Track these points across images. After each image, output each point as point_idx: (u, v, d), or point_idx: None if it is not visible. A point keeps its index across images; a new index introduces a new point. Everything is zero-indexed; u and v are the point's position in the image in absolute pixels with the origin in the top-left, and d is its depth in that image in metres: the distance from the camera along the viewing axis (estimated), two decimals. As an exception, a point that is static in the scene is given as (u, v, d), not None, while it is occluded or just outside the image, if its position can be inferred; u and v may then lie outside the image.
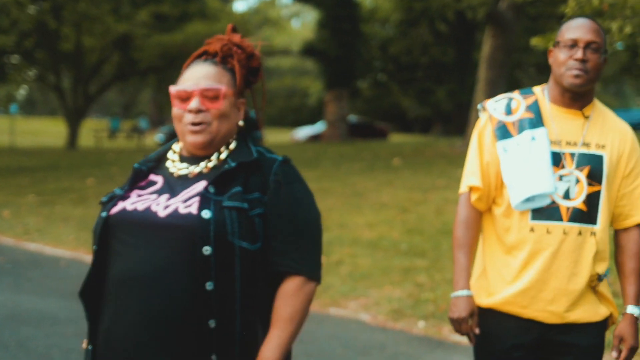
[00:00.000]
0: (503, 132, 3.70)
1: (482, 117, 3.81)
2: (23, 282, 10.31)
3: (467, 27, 43.85)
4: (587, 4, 13.01)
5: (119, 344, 2.89)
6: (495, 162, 3.70)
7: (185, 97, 2.99)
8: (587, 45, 3.59)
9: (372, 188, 18.12)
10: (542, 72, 51.74)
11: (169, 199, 2.95)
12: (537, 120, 3.67)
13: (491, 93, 28.63)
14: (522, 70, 52.11)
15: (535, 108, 3.71)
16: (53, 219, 15.44)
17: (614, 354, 3.64)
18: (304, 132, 49.29)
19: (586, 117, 3.69)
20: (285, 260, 2.96)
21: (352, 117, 46.72)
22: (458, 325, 3.64)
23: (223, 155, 3.04)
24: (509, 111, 3.74)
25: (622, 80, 62.47)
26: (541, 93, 3.77)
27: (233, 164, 2.99)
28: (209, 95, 2.98)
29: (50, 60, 39.22)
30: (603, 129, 3.70)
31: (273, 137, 52.22)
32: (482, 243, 3.81)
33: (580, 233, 3.58)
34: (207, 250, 2.84)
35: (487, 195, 3.72)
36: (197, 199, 2.90)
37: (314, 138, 46.22)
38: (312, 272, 2.98)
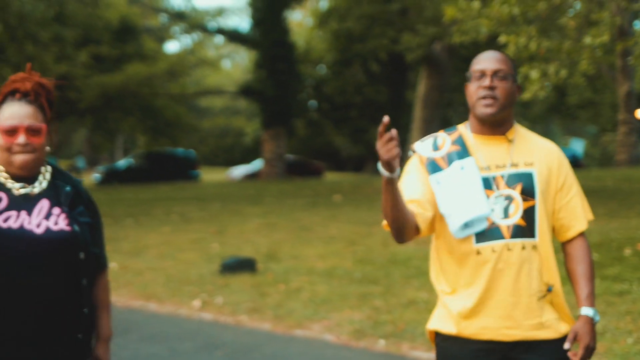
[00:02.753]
0: (433, 167, 3.83)
1: (413, 159, 3.94)
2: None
3: (400, 67, 44.84)
4: (525, 49, 14.04)
5: (13, 326, 3.59)
6: (423, 188, 3.81)
7: (12, 132, 3.66)
8: (495, 74, 3.75)
9: (318, 222, 18.84)
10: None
11: (29, 215, 3.65)
12: (463, 152, 3.81)
13: (426, 131, 29.64)
14: (453, 109, 53.25)
15: (460, 141, 3.85)
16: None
17: (567, 345, 3.70)
18: (239, 171, 49.75)
19: (510, 141, 3.83)
20: (102, 260, 3.93)
21: (288, 156, 47.40)
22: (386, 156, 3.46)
23: (48, 177, 3.79)
24: (435, 147, 3.89)
25: (550, 119, 64.05)
26: (464, 128, 3.94)
27: (69, 188, 3.81)
28: (33, 131, 3.67)
29: (-15, 99, 39.19)
30: (529, 148, 3.85)
31: (208, 176, 52.59)
32: (436, 274, 3.90)
33: (523, 247, 3.69)
34: (82, 255, 3.70)
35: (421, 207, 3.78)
36: (61, 217, 3.69)
37: (251, 177, 46.71)
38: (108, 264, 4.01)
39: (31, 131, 3.66)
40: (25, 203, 3.68)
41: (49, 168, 3.84)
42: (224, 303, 11.03)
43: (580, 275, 3.80)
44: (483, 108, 3.76)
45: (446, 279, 3.84)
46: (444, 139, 3.90)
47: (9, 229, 3.60)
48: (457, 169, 3.77)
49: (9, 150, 3.67)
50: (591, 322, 3.71)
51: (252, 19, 41.11)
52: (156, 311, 10.98)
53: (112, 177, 44.52)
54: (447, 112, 51.55)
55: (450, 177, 3.76)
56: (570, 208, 3.85)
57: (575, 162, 47.81)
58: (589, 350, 3.68)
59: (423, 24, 26.45)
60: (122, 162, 48.71)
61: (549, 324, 3.74)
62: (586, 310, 3.72)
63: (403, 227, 3.67)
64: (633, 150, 36.91)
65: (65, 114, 43.02)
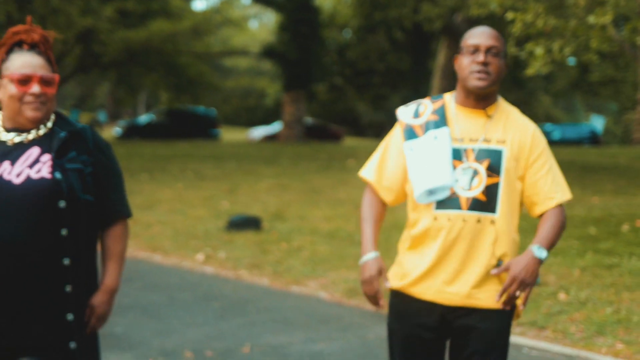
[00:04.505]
0: (410, 133, 3.98)
1: (397, 125, 4.11)
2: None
3: (423, 36, 44.86)
4: (532, 26, 14.28)
5: None
6: (401, 160, 4.02)
7: (26, 81, 3.59)
8: (488, 50, 3.86)
9: (328, 186, 19.22)
10: (494, 83, 52.91)
11: (12, 165, 3.58)
12: (440, 122, 3.93)
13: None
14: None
15: (440, 111, 3.97)
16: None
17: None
18: (259, 132, 50.06)
19: (489, 116, 3.94)
20: (119, 207, 3.82)
21: (308, 119, 47.60)
22: (369, 285, 3.91)
23: (49, 124, 3.69)
24: (416, 115, 4.02)
25: (573, 95, 63.90)
26: (449, 97, 4.04)
27: (64, 133, 3.69)
28: (46, 81, 3.62)
29: (11, 51, 39.43)
30: (505, 126, 3.94)
31: (229, 135, 52.91)
32: (404, 234, 4.06)
33: (479, 221, 3.81)
34: (62, 203, 3.57)
35: (382, 189, 4.07)
36: (47, 164, 3.59)
37: (270, 138, 47.01)
38: (130, 213, 3.90)
39: (44, 82, 3.61)
40: (12, 152, 3.63)
41: (52, 116, 3.74)
42: (226, 258, 11.44)
43: (543, 226, 3.89)
44: (475, 80, 3.86)
45: (409, 239, 3.98)
46: (426, 107, 4.03)
47: None
48: (431, 138, 3.91)
49: (20, 100, 3.59)
50: (531, 254, 3.77)
51: (278, -19, 41.22)
52: (160, 263, 11.41)
53: (133, 132, 44.94)
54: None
55: (423, 146, 3.92)
56: (539, 187, 3.91)
57: (595, 139, 47.85)
58: (517, 281, 3.74)
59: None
60: (144, 118, 49.12)
61: (489, 294, 3.85)
62: (532, 246, 3.80)
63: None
64: (650, 129, 37.04)
65: (89, 67, 43.31)
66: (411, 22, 37.52)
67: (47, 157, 3.63)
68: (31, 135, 3.67)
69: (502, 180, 3.85)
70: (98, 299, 3.75)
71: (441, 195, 3.85)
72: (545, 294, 9.00)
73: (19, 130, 3.67)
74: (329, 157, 28.15)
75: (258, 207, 15.90)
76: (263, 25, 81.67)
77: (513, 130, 3.94)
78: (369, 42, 48.94)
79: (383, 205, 4.11)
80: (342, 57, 50.83)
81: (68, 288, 3.61)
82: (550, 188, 3.91)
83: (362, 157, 28.02)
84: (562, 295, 8.91)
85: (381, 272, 3.91)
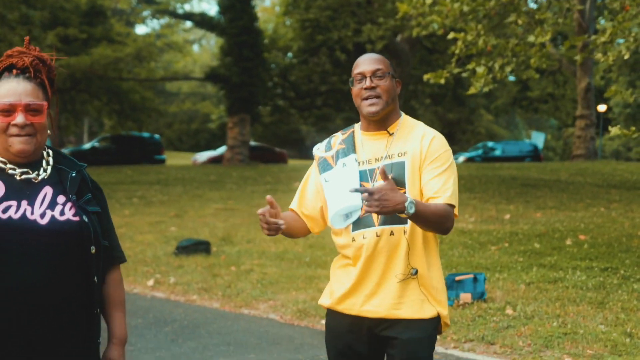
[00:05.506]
0: (324, 165, 4.18)
1: (314, 161, 4.35)
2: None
3: (365, 56, 45.06)
4: (473, 45, 14.56)
5: (21, 325, 3.20)
6: (317, 191, 4.23)
7: (8, 111, 3.25)
8: (373, 74, 4.01)
9: (275, 208, 19.30)
10: (436, 102, 53.47)
11: (31, 205, 3.25)
12: (348, 149, 4.13)
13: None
14: (419, 101, 53.61)
15: (349, 140, 4.18)
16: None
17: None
18: (203, 156, 49.99)
19: (391, 134, 4.09)
20: (117, 253, 3.57)
21: (252, 142, 47.61)
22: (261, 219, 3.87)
23: (51, 161, 3.40)
24: (329, 147, 4.24)
25: (513, 112, 64.71)
26: (357, 126, 4.24)
27: (74, 173, 3.42)
28: (33, 110, 3.27)
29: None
30: (406, 139, 4.07)
31: (173, 160, 52.72)
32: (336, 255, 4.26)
33: (392, 233, 3.95)
34: (93, 249, 3.31)
35: (304, 217, 4.27)
36: (67, 205, 3.31)
37: (215, 161, 46.96)
38: (125, 259, 3.65)
39: (31, 110, 3.27)
40: (26, 191, 3.29)
41: (50, 152, 3.45)
42: (176, 283, 11.47)
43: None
44: (368, 107, 4.04)
45: (337, 260, 4.18)
46: (337, 138, 4.27)
47: (10, 220, 3.20)
48: (340, 166, 4.10)
49: (5, 132, 3.27)
50: (404, 199, 3.66)
51: (219, 6, 41.27)
52: (110, 289, 11.37)
53: (78, 159, 44.37)
54: (413, 103, 52.01)
55: (335, 175, 4.11)
56: (430, 186, 3.96)
57: (536, 155, 48.49)
58: (376, 196, 3.61)
59: (384, 17, 26.87)
60: (88, 145, 48.82)
61: (410, 304, 3.98)
62: (410, 197, 3.75)
63: (291, 236, 4.29)
64: (590, 145, 37.68)
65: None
66: (353, 43, 37.80)
67: (63, 199, 3.35)
68: (40, 176, 3.36)
69: (408, 190, 3.97)
70: (115, 353, 3.55)
71: (354, 217, 3.99)
72: (493, 309, 9.15)
73: (20, 165, 3.34)
74: (274, 180, 28.26)
75: (206, 231, 15.95)
76: (204, 48, 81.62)
77: (413, 141, 4.07)
78: (311, 64, 49.14)
79: (305, 225, 4.30)
80: (285, 80, 50.98)
81: (100, 340, 3.45)
82: (441, 187, 3.95)
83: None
84: (509, 311, 9.06)
85: (271, 205, 3.81)
